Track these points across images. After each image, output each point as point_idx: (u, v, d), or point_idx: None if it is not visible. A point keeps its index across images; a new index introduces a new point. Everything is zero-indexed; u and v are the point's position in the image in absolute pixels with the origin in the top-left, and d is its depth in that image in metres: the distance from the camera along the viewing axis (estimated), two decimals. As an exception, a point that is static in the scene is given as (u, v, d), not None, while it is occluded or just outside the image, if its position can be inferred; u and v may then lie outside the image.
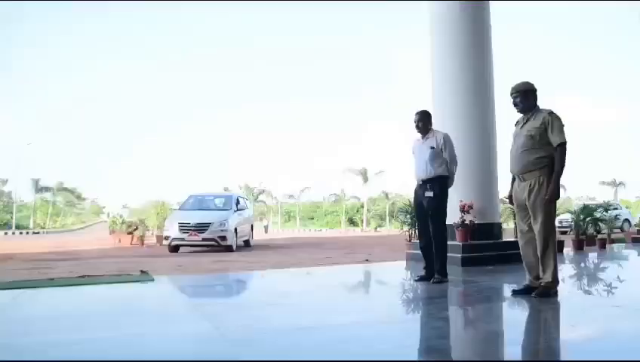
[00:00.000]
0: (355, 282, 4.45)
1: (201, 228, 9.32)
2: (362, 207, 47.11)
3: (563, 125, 3.13)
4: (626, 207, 26.33)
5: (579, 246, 7.49)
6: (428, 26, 5.93)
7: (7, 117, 65.49)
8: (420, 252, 4.08)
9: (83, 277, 4.85)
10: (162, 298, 3.65)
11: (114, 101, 70.65)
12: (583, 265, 5.64)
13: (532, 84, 3.27)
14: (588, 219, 8.17)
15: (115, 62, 70.16)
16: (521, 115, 3.29)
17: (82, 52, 67.16)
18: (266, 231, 32.81)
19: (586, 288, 3.94)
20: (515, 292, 3.23)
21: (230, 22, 73.69)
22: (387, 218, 39.93)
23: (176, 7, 69.16)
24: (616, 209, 16.80)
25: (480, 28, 5.75)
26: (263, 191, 50.30)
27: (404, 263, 5.76)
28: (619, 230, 12.74)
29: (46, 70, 67.98)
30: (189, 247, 9.76)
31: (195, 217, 9.59)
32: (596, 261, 5.94)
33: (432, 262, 3.91)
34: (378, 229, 36.17)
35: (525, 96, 3.21)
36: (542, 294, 3.06)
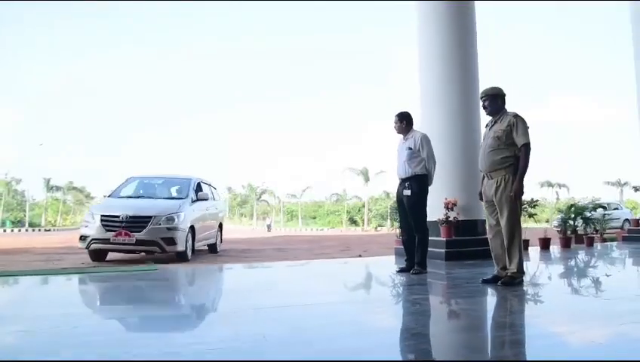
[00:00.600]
0: (341, 273, 4.72)
1: (136, 224, 6.02)
2: (364, 206, 47.34)
3: (527, 127, 3.39)
4: (632, 208, 26.34)
5: (565, 244, 7.69)
6: (415, 26, 6.16)
7: (16, 117, 66.52)
8: (407, 246, 4.32)
9: (94, 266, 5.20)
10: (167, 283, 3.98)
11: (117, 100, 71.24)
12: (561, 260, 5.87)
13: (500, 89, 3.53)
14: (577, 217, 8.34)
15: (119, 61, 70.84)
16: (490, 117, 3.55)
17: (83, 50, 67.70)
18: (269, 230, 33.25)
19: (551, 279, 4.19)
20: (483, 281, 3.49)
21: (230, 21, 74.19)
22: (388, 217, 40.16)
23: (176, 6, 69.74)
24: (617, 209, 16.95)
25: (465, 28, 5.96)
26: (265, 190, 50.81)
27: (393, 258, 6.03)
28: (619, 229, 12.78)
29: (49, 69, 68.65)
30: (122, 253, 6.56)
31: (129, 208, 6.30)
32: (576, 257, 6.17)
33: (414, 255, 4.17)
34: (379, 228, 36.44)
35: (493, 100, 3.47)
36: (507, 283, 3.33)
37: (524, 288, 3.29)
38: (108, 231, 6.01)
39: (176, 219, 6.26)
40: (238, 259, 7.25)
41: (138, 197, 7.08)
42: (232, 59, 73.31)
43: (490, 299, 3.08)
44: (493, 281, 3.44)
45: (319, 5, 74.46)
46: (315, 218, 52.44)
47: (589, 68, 71.05)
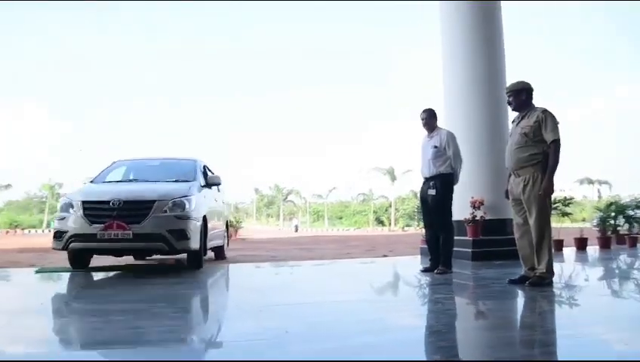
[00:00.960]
0: (365, 273, 4.73)
1: (133, 212, 4.35)
2: (390, 206, 46.84)
3: (557, 123, 3.26)
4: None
5: (604, 244, 7.29)
6: (438, 26, 6.09)
7: (56, 122, 70.03)
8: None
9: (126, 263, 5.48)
10: (195, 281, 4.16)
11: (121, 103, 72.54)
12: (596, 261, 5.59)
13: (527, 83, 3.42)
14: (618, 216, 7.87)
15: (119, 60, 71.56)
16: (517, 113, 3.45)
17: (85, 49, 68.80)
18: (296, 230, 33.56)
19: (584, 280, 4.02)
20: (510, 282, 3.40)
21: (230, 21, 74.90)
22: (416, 217, 39.47)
23: (177, 6, 70.73)
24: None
25: (491, 27, 5.83)
26: (292, 191, 51.36)
27: (419, 258, 5.96)
28: None
29: (57, 69, 70.71)
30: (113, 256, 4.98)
31: (121, 192, 4.61)
32: (615, 258, 5.85)
33: (438, 255, 4.12)
34: (406, 228, 35.88)
35: (517, 95, 3.37)
36: (535, 284, 3.23)
37: (554, 289, 3.18)
38: (94, 222, 4.28)
39: (187, 205, 4.49)
40: (264, 259, 7.38)
41: (130, 181, 5.36)
42: (233, 58, 73.97)
43: (517, 299, 3.01)
44: (520, 282, 3.34)
45: (319, 5, 74.21)
46: (341, 218, 52.42)
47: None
